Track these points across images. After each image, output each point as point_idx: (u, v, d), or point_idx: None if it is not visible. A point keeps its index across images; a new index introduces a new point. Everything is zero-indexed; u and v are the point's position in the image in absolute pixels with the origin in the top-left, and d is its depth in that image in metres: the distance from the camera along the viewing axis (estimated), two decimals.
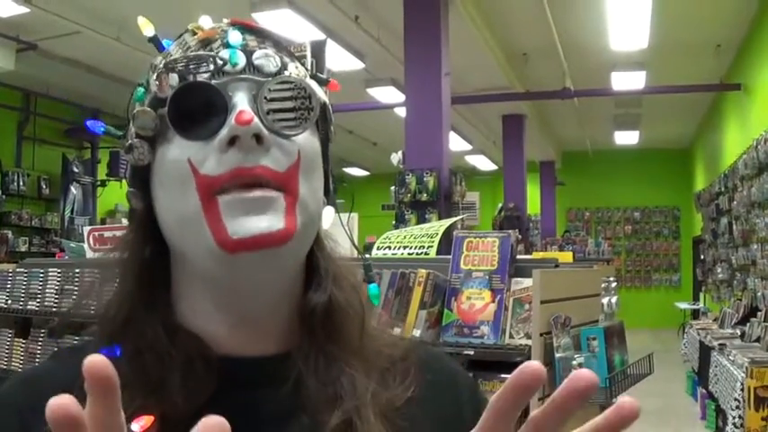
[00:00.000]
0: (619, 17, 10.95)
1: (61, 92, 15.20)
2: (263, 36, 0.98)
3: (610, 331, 3.18)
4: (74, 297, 4.54)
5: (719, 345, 8.32)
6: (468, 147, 19.60)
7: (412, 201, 9.12)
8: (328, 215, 1.03)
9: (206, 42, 0.95)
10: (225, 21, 0.99)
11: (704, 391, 9.23)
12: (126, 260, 0.98)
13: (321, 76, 1.03)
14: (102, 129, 1.07)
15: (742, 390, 6.62)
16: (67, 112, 16.24)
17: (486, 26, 11.63)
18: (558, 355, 2.87)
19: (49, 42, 11.85)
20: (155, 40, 1.00)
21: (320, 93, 0.98)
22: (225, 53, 0.92)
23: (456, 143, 17.27)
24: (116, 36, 11.36)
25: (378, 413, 0.91)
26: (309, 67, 1.02)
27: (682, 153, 22.77)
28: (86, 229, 4.86)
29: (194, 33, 0.97)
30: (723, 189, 13.89)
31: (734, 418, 6.74)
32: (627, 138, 20.93)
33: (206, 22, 0.99)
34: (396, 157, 9.86)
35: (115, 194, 17.12)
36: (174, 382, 0.86)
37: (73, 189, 16.14)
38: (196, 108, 0.88)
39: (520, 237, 4.56)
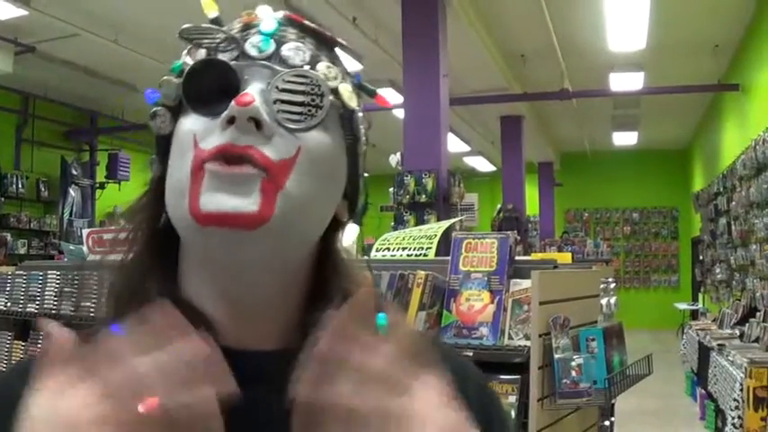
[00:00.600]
0: (617, 18, 10.97)
1: (60, 94, 15.22)
2: (306, 32, 0.98)
3: (609, 332, 3.18)
4: (73, 299, 4.54)
5: (718, 345, 8.33)
6: (467, 148, 19.60)
7: (410, 202, 9.13)
8: (351, 232, 1.02)
9: (246, 27, 0.96)
10: (282, 12, 0.99)
11: (703, 391, 9.23)
12: (138, 222, 0.98)
13: (367, 85, 1.03)
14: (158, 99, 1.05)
15: (741, 390, 6.62)
16: (66, 115, 16.26)
17: (484, 27, 11.64)
18: (557, 356, 2.87)
19: (48, 45, 11.85)
20: (216, 22, 1.00)
21: (348, 98, 0.97)
22: (256, 38, 0.93)
23: (454, 144, 17.27)
24: (114, 38, 11.37)
25: None
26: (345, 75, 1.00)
27: (680, 154, 22.80)
28: (85, 231, 4.86)
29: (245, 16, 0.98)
30: (722, 189, 13.90)
31: (733, 418, 6.74)
32: (625, 138, 20.96)
33: (263, 10, 0.99)
34: (394, 159, 9.87)
35: (114, 197, 17.10)
36: None
37: (72, 191, 16.13)
38: (211, 85, 0.90)
39: (518, 238, 4.55)
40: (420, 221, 8.83)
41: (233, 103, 0.86)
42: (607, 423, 3.57)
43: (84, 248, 4.76)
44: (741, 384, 6.64)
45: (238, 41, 0.93)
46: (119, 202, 17.38)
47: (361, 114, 1.00)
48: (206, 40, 0.94)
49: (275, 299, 0.95)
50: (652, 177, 23.28)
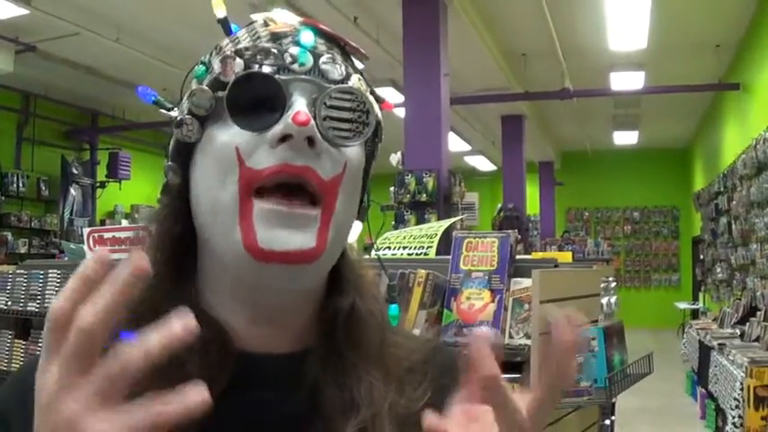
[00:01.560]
0: (617, 17, 10.97)
1: (60, 93, 15.22)
2: (331, 41, 0.98)
3: (609, 331, 3.18)
4: None
5: (719, 344, 8.33)
6: (468, 147, 19.61)
7: (411, 201, 9.14)
8: (355, 230, 1.03)
9: (276, 36, 0.94)
10: (297, 19, 0.99)
11: (704, 390, 9.23)
12: (156, 233, 0.97)
13: (377, 94, 1.03)
14: (154, 98, 1.06)
15: (741, 389, 6.62)
16: (67, 114, 16.27)
17: (484, 27, 11.64)
18: None
19: (48, 44, 11.84)
20: (224, 22, 1.00)
21: (377, 110, 0.97)
22: (294, 50, 0.92)
23: (455, 144, 17.27)
24: (115, 37, 11.38)
25: (393, 423, 0.91)
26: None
27: (681, 153, 22.79)
28: (86, 230, 4.86)
29: (266, 24, 0.97)
30: (722, 189, 13.89)
31: (733, 417, 6.74)
32: (626, 138, 20.95)
33: (280, 15, 0.99)
34: (395, 158, 9.84)
35: (114, 196, 17.12)
36: (192, 369, 0.84)
37: (72, 190, 16.13)
38: (255, 98, 0.88)
39: (519, 237, 4.56)
40: (421, 221, 8.83)
41: (290, 121, 0.85)
42: (608, 422, 3.57)
43: (85, 247, 4.76)
44: (741, 384, 6.64)
45: (277, 54, 0.92)
46: (119, 201, 17.43)
47: (381, 120, 1.00)
48: (248, 54, 0.92)
49: (298, 306, 0.96)
50: (653, 177, 23.27)
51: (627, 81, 14.10)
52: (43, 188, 15.94)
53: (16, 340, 4.89)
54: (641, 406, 9.89)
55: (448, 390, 0.97)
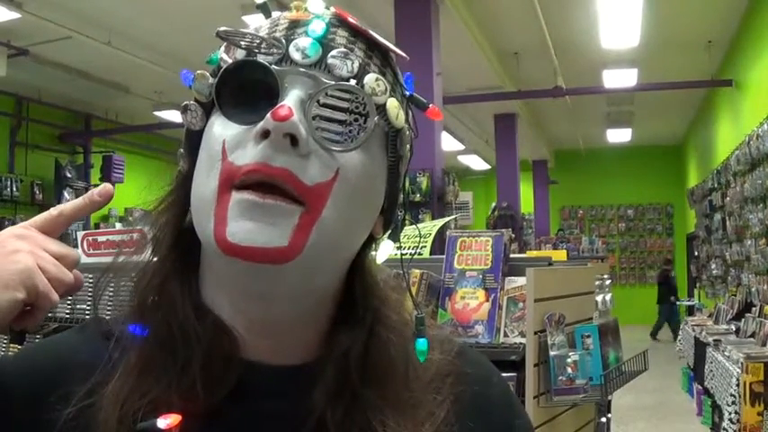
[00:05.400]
0: (610, 15, 11.00)
1: (53, 97, 15.20)
2: (356, 36, 0.90)
3: (604, 328, 3.19)
4: (68, 302, 4.54)
5: (714, 341, 8.35)
6: (461, 146, 19.62)
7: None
8: (385, 249, 0.97)
9: (293, 25, 0.87)
10: (331, 9, 0.91)
11: (700, 386, 9.24)
12: (163, 224, 0.93)
13: (419, 98, 0.95)
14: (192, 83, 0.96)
15: (737, 385, 6.63)
16: (60, 117, 16.22)
17: (476, 26, 11.64)
18: (552, 353, 2.88)
19: (41, 48, 11.83)
20: (263, 7, 0.93)
21: (395, 115, 0.88)
22: (303, 41, 0.84)
23: (448, 143, 17.28)
24: (107, 41, 11.36)
25: None
26: (397, 86, 0.93)
27: (674, 150, 22.81)
28: (80, 233, 4.85)
29: (291, 11, 0.90)
30: (716, 185, 13.91)
31: (730, 413, 6.75)
32: (619, 135, 21.00)
33: (313, 4, 0.91)
34: None
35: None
36: (196, 371, 0.82)
37: (66, 194, 16.09)
38: (248, 89, 0.83)
39: (513, 235, 4.55)
40: (414, 220, 8.82)
41: (268, 115, 0.78)
42: (604, 420, 3.57)
43: (79, 251, 4.75)
44: (737, 379, 6.65)
45: (281, 43, 0.85)
46: (113, 204, 17.36)
47: (408, 132, 0.92)
48: (244, 42, 0.85)
49: (297, 321, 0.89)
50: (646, 174, 23.29)
51: (620, 78, 14.14)
52: (37, 192, 15.90)
53: (11, 345, 4.88)
54: (637, 403, 9.92)
55: (467, 395, 0.95)
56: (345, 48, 0.86)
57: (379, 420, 0.85)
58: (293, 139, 0.79)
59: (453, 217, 6.71)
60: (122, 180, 16.61)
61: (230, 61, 0.85)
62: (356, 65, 0.85)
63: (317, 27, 0.86)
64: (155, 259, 0.92)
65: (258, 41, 0.84)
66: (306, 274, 0.83)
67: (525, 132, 18.52)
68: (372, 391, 0.87)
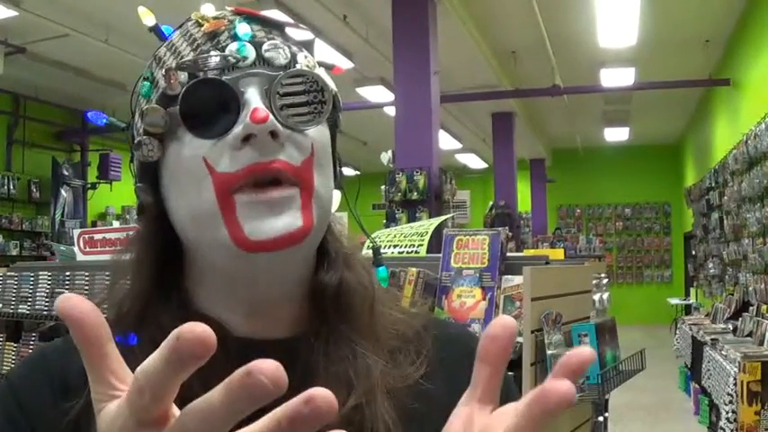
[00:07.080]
0: (607, 14, 11.00)
1: (50, 95, 15.19)
2: (269, 25, 0.96)
3: (601, 328, 3.18)
4: None
5: (712, 340, 8.33)
6: (458, 145, 19.64)
7: (402, 200, 9.15)
8: (335, 198, 1.03)
9: (213, 35, 0.93)
10: (228, 9, 0.97)
11: (697, 386, 9.24)
12: (140, 256, 0.97)
13: (326, 62, 1.03)
14: (105, 120, 1.07)
15: (735, 384, 6.62)
16: (57, 115, 16.22)
17: (474, 24, 11.64)
18: (549, 352, 2.87)
19: (38, 45, 11.83)
20: (156, 30, 0.99)
21: (330, 83, 0.96)
22: (233, 46, 0.90)
23: (446, 142, 17.28)
24: (104, 38, 11.35)
25: (386, 394, 0.91)
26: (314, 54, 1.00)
27: (672, 149, 22.82)
28: (77, 231, 4.85)
29: (199, 24, 0.95)
30: (713, 184, 13.90)
31: (727, 412, 6.74)
32: (617, 134, 21.00)
33: (209, 9, 0.97)
34: (386, 157, 9.87)
35: (105, 197, 17.09)
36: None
37: (63, 192, 16.10)
38: (208, 105, 0.87)
39: (511, 234, 4.57)
40: (412, 219, 8.83)
41: (247, 120, 0.85)
42: (601, 419, 3.57)
43: (76, 249, 4.75)
44: (735, 379, 6.64)
45: (217, 54, 0.90)
46: (110, 202, 17.40)
47: (336, 91, 0.99)
48: (208, 66, 0.90)
49: (292, 292, 0.96)
50: (644, 173, 23.30)
51: (617, 77, 14.13)
52: (34, 190, 15.91)
53: (7, 343, 4.88)
54: (634, 402, 9.92)
55: (447, 362, 1.00)
56: (269, 39, 0.93)
57: (359, 352, 0.93)
58: (273, 134, 0.86)
59: (450, 215, 6.71)
60: (120, 178, 16.62)
61: (178, 87, 0.89)
62: (287, 51, 0.92)
63: (244, 29, 0.92)
64: (136, 280, 0.96)
65: (203, 60, 0.90)
66: (313, 242, 0.93)
67: (523, 131, 18.52)
68: (346, 325, 0.95)
